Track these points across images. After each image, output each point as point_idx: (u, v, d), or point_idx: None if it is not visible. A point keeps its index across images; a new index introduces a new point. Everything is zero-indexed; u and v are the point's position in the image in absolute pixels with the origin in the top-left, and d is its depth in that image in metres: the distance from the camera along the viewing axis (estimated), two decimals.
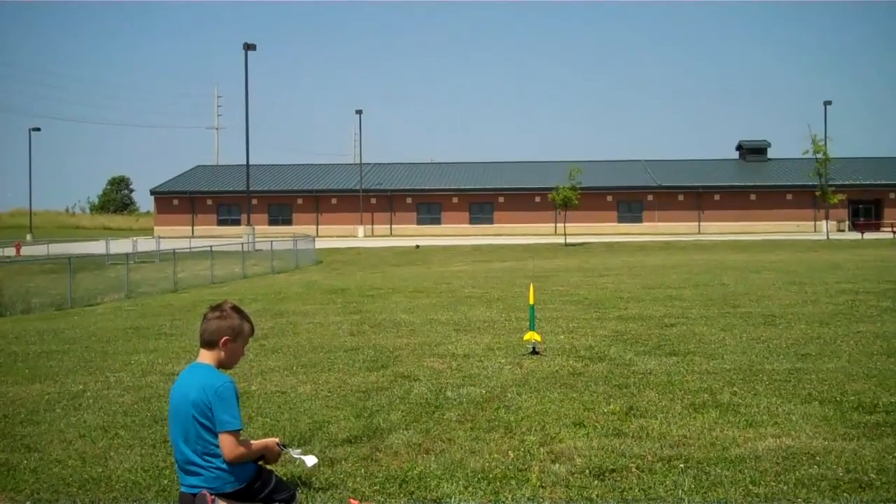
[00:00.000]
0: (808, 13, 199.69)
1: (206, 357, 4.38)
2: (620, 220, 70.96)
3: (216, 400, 4.23)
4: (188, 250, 34.34)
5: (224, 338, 4.35)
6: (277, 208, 73.90)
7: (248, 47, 48.45)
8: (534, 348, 9.35)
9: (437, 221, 72.76)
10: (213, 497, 4.33)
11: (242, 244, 38.57)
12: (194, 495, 4.33)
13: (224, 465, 4.28)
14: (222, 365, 4.40)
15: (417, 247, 48.97)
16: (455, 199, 72.70)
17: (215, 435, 4.27)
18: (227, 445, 4.24)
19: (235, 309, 4.45)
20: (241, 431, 4.33)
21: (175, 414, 4.37)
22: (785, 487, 4.75)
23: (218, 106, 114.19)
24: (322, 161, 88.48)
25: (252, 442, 4.44)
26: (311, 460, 4.72)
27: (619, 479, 4.99)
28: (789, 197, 70.17)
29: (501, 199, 72.08)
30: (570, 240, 52.45)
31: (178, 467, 4.42)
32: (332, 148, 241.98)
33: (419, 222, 72.80)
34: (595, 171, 69.01)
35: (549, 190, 57.18)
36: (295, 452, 4.74)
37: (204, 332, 4.38)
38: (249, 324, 4.50)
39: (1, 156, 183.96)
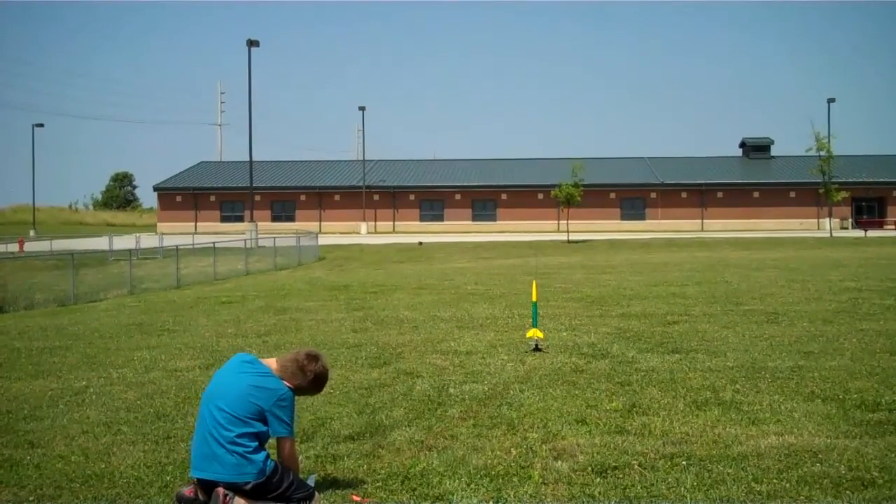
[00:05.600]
0: (810, 10, 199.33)
1: (273, 364, 4.74)
2: (623, 217, 70.83)
3: (279, 406, 4.54)
4: (191, 247, 34.35)
5: (292, 385, 4.70)
6: (280, 205, 73.85)
7: (252, 44, 48.49)
8: (536, 345, 9.36)
9: (440, 218, 72.69)
10: (227, 497, 4.37)
11: (245, 241, 38.61)
12: (213, 482, 4.40)
13: (249, 456, 4.38)
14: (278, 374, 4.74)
15: (420, 243, 48.92)
16: (458, 196, 72.61)
17: (252, 433, 4.48)
18: (288, 448, 4.61)
19: (319, 382, 4.83)
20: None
21: (222, 395, 4.54)
22: (787, 485, 4.75)
23: (221, 102, 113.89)
24: (325, 157, 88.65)
25: None
26: (309, 480, 4.84)
27: (621, 476, 5.00)
28: (792, 194, 70.00)
29: (504, 196, 71.99)
30: (572, 237, 52.38)
31: (198, 452, 4.51)
32: (335, 144, 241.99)
33: (422, 219, 72.71)
34: (598, 168, 68.95)
35: (552, 187, 56.99)
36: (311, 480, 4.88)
37: (290, 364, 4.70)
38: (315, 393, 4.97)
39: (4, 151, 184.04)
